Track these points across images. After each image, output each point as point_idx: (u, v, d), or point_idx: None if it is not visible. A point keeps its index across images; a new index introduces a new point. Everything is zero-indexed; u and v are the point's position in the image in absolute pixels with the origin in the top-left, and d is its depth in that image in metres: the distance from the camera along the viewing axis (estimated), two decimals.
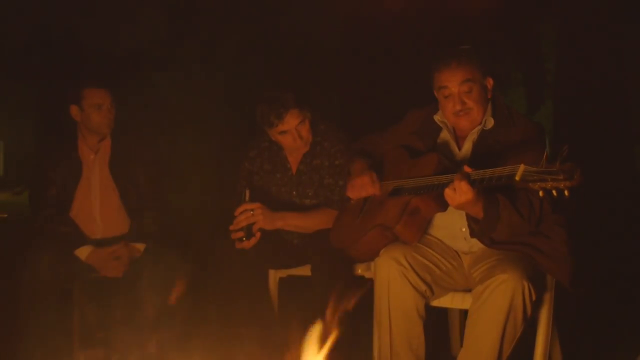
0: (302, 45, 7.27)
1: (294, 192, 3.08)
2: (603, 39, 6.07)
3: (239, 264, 2.83)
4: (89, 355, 2.97)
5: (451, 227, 2.59)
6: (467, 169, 2.24)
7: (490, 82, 2.60)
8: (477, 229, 2.39)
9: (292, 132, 2.95)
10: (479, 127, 2.57)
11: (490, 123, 2.57)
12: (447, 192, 2.26)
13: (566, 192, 1.98)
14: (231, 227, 2.88)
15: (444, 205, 2.48)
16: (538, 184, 2.01)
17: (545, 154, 2.01)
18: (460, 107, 2.54)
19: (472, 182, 2.21)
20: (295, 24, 7.03)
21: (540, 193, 2.02)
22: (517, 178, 2.04)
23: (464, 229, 2.55)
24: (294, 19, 6.95)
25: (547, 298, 2.49)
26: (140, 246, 3.16)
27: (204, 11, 7.14)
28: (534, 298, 2.31)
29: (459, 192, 2.22)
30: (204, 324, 2.89)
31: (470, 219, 2.40)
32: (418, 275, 2.46)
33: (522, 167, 2.04)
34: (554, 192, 2.00)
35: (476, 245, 2.54)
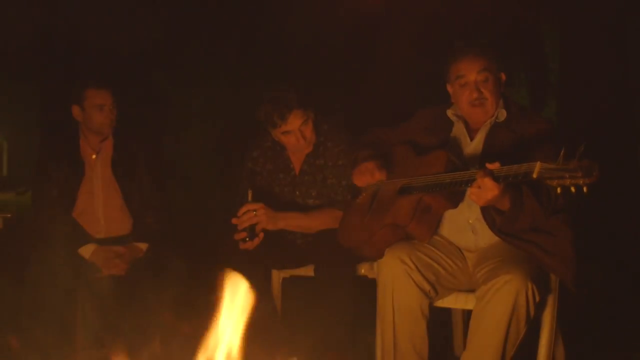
0: (305, 45, 7.27)
1: (297, 193, 3.07)
2: (607, 38, 6.05)
3: (242, 264, 2.82)
4: (92, 355, 2.96)
5: (458, 219, 2.58)
6: (489, 165, 2.22)
7: (503, 77, 2.62)
8: (500, 220, 2.37)
9: (295, 133, 2.95)
10: (492, 119, 2.58)
11: (503, 115, 2.58)
12: (473, 190, 2.23)
13: (585, 189, 1.98)
14: (234, 221, 2.87)
15: (455, 203, 2.50)
16: (556, 181, 2.00)
17: (562, 151, 2.01)
18: (477, 95, 2.55)
19: (496, 178, 2.19)
20: (298, 23, 7.03)
21: (558, 190, 2.02)
22: (534, 176, 2.04)
23: (471, 221, 2.54)
24: (298, 18, 6.95)
25: (551, 299, 2.48)
26: (143, 246, 3.16)
27: (207, 10, 7.14)
28: (537, 299, 2.30)
29: (485, 190, 2.19)
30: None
31: (494, 211, 2.38)
32: (422, 275, 2.45)
33: (538, 165, 2.03)
34: (573, 189, 1.99)
35: (482, 239, 2.53)
